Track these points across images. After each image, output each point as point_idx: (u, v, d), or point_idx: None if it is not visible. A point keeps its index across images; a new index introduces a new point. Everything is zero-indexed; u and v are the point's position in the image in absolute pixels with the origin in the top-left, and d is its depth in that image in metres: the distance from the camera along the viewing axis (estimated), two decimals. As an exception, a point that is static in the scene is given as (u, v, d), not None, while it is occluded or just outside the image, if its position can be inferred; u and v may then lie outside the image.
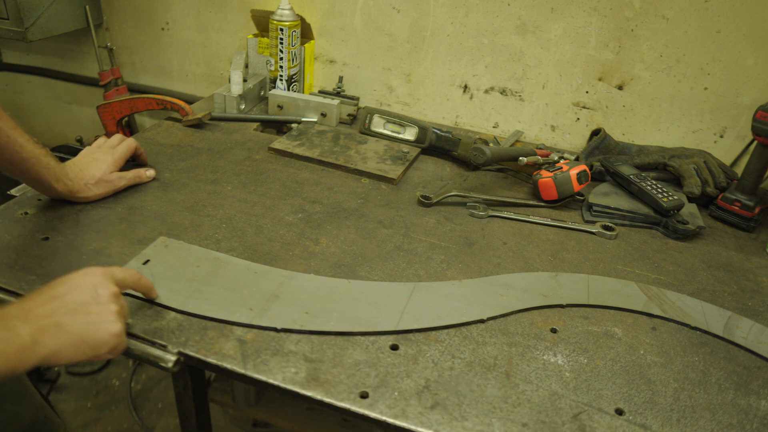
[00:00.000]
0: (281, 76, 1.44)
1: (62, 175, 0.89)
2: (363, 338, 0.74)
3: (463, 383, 0.69)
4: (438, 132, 1.27)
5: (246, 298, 0.77)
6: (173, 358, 0.68)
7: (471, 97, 1.47)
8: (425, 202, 1.08)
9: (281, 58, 1.41)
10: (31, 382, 0.94)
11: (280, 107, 1.38)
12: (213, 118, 1.33)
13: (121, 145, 1.01)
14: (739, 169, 1.23)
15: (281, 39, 1.39)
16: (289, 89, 1.46)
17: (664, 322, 0.85)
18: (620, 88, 1.35)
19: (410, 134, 1.30)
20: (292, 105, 1.37)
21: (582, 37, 1.32)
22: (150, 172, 1.03)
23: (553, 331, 0.80)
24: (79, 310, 0.61)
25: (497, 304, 0.83)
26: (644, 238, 1.07)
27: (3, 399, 0.85)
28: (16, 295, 0.74)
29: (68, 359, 0.59)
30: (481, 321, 0.80)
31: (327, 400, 0.65)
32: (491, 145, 1.18)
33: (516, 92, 1.43)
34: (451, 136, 1.26)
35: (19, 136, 0.81)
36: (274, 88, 1.47)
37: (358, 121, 1.42)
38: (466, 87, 1.46)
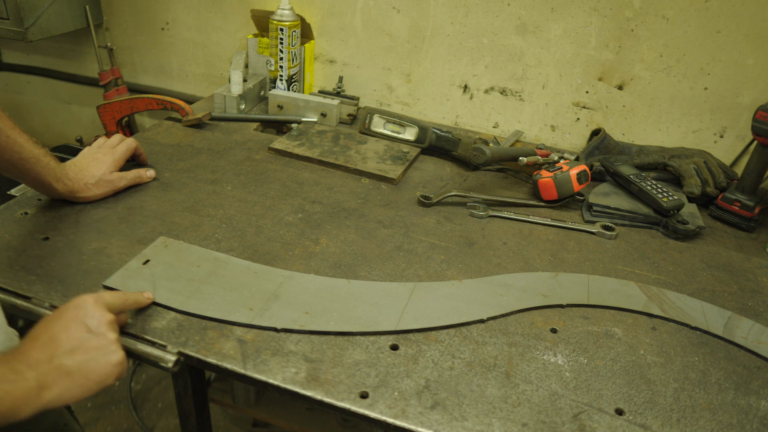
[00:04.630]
0: (281, 76, 1.44)
1: (62, 175, 0.89)
2: (363, 338, 0.74)
3: (463, 383, 0.69)
4: (438, 132, 1.27)
5: (246, 298, 0.77)
6: (173, 358, 0.68)
7: (471, 97, 1.47)
8: (425, 202, 1.08)
9: (281, 58, 1.41)
10: None
11: (280, 107, 1.38)
12: (213, 118, 1.33)
13: (121, 145, 1.01)
14: (739, 169, 1.23)
15: (281, 39, 1.39)
16: (289, 89, 1.46)
17: (664, 322, 0.85)
18: (620, 88, 1.35)
19: (410, 134, 1.30)
20: (292, 105, 1.37)
21: (582, 37, 1.32)
22: (150, 173, 1.03)
23: (553, 331, 0.80)
24: (77, 348, 0.59)
25: (497, 304, 0.83)
26: (644, 238, 1.07)
27: None
28: (17, 295, 0.74)
29: (75, 399, 0.58)
30: (481, 321, 0.80)
31: (327, 400, 0.65)
32: (491, 145, 1.18)
33: (516, 92, 1.43)
34: (451, 136, 1.26)
35: (19, 137, 0.81)
36: (274, 88, 1.46)
37: (358, 121, 1.42)
38: (466, 87, 1.46)
